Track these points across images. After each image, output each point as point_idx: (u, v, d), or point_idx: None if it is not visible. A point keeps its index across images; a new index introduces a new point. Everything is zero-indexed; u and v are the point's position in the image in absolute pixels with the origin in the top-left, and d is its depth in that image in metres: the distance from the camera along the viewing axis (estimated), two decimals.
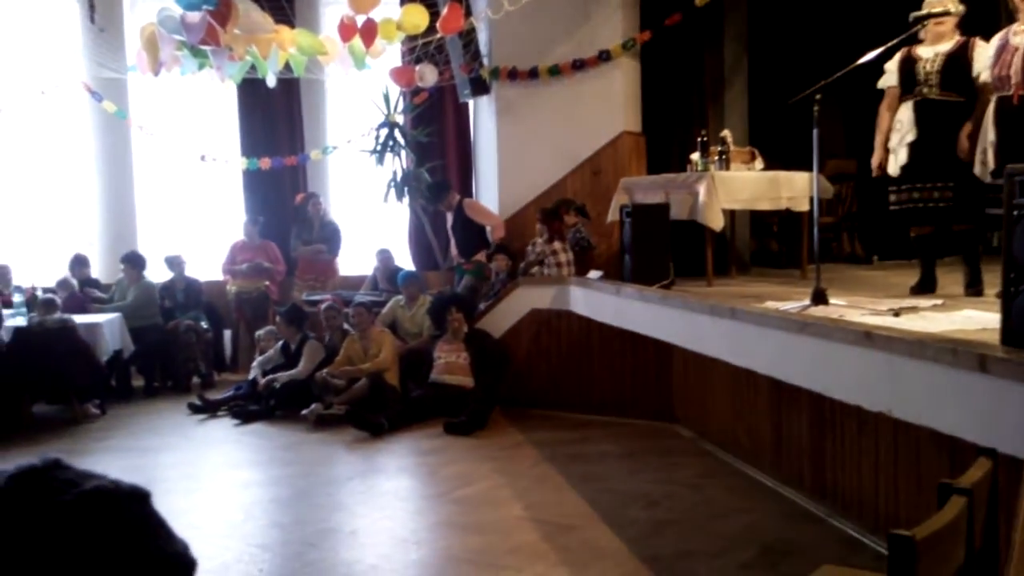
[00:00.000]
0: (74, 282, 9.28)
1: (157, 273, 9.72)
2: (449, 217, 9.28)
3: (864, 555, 4.50)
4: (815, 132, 4.92)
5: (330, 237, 9.82)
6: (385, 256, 9.76)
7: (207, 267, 9.84)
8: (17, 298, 8.51)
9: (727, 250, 8.33)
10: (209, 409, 8.14)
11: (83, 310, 8.83)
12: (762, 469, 5.90)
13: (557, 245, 8.10)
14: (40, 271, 9.60)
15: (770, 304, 5.16)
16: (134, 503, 0.72)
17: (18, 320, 8.17)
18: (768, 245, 9.59)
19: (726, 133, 7.66)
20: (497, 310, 8.35)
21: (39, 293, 8.65)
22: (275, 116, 10.25)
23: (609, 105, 8.87)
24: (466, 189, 10.47)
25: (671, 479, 5.95)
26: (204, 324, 9.43)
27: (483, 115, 9.87)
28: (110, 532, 0.68)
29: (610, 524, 5.08)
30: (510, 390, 8.04)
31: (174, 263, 9.60)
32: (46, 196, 10.26)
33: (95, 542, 0.67)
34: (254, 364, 8.55)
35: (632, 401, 7.66)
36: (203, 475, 6.40)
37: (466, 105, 10.04)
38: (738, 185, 7.10)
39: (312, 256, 9.74)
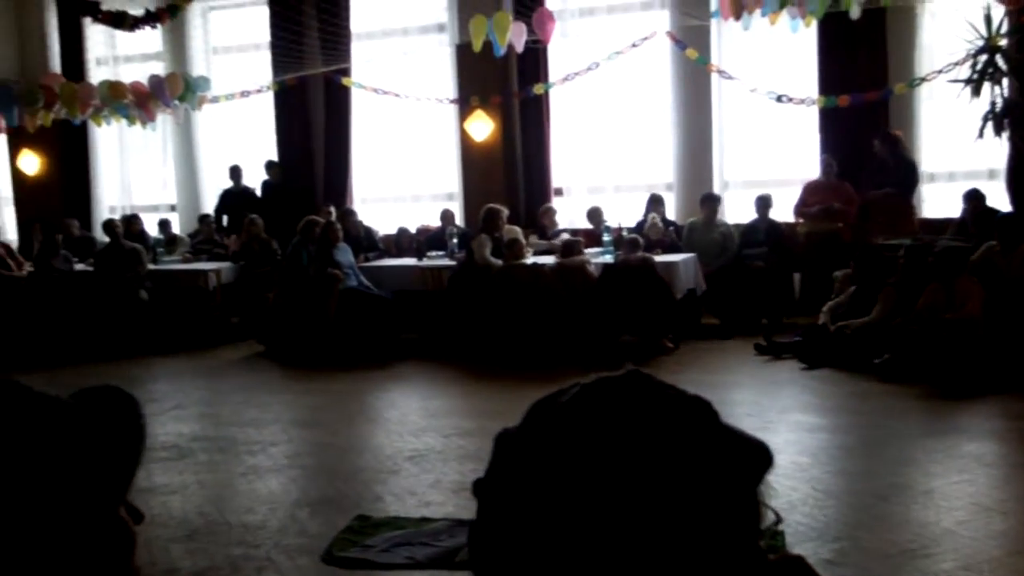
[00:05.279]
0: (659, 222, 9.81)
1: (735, 212, 9.93)
2: None
3: None
4: None
5: (901, 179, 9.16)
6: (976, 197, 8.79)
7: (779, 208, 9.76)
8: (606, 237, 9.28)
9: None
10: (774, 351, 8.11)
11: (667, 249, 9.30)
12: None
13: None
14: (625, 211, 10.34)
15: None
16: (710, 409, 0.92)
17: (606, 258, 8.92)
18: None
19: None
20: None
21: (625, 233, 9.33)
22: (857, 50, 9.69)
23: None
24: None
25: None
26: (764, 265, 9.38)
27: None
28: (708, 426, 0.89)
29: None
30: None
31: (766, 203, 9.66)
32: (631, 141, 10.99)
33: (703, 433, 0.87)
34: (824, 308, 8.30)
35: None
36: (770, 415, 6.39)
37: None
38: None
39: (882, 198, 9.19)
